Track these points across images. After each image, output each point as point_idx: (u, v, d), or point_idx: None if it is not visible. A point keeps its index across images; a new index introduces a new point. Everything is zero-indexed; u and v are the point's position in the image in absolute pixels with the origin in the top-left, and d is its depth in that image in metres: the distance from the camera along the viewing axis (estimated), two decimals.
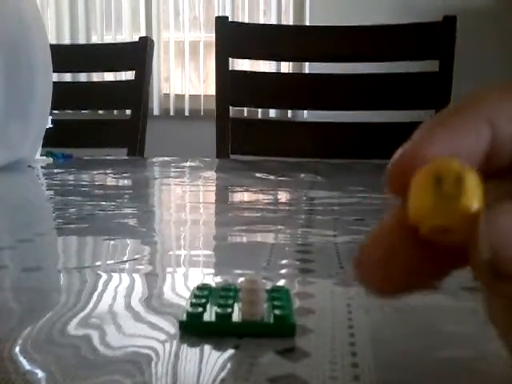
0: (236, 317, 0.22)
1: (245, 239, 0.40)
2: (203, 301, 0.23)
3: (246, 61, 1.84)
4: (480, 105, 0.14)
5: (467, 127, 0.14)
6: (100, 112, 1.89)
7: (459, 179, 0.12)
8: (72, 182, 0.72)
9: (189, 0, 2.34)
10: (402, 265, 0.14)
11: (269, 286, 0.26)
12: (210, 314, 0.22)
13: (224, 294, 0.24)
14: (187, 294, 0.26)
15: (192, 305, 0.22)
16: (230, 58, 1.26)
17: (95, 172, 0.85)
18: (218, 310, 0.22)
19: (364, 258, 0.15)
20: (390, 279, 0.14)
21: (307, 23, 2.21)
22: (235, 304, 0.23)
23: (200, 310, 0.22)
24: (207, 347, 0.20)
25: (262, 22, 2.25)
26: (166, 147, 1.96)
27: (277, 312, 0.22)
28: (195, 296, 0.24)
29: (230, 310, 0.22)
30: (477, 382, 0.18)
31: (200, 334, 0.21)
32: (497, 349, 0.17)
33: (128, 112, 1.42)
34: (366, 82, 1.22)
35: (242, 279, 0.22)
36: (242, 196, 0.64)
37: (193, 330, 0.21)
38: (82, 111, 1.73)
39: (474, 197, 0.12)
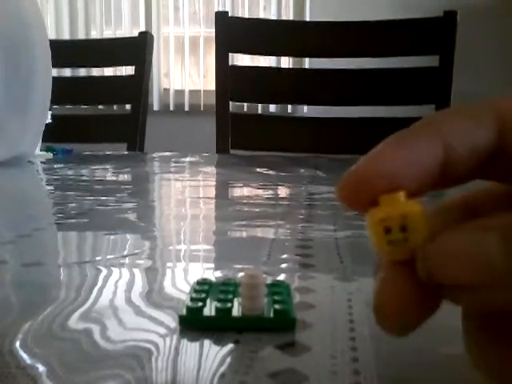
0: (236, 311, 0.22)
1: (245, 234, 0.40)
2: (203, 295, 0.23)
3: (246, 56, 1.84)
4: (433, 123, 0.16)
5: (421, 142, 0.15)
6: (100, 107, 1.89)
7: (404, 225, 0.14)
8: (72, 177, 0.72)
9: None
10: (416, 303, 0.15)
11: (269, 280, 0.26)
12: (209, 309, 0.22)
13: (224, 289, 0.24)
14: (187, 289, 0.26)
15: (192, 299, 0.22)
16: (230, 53, 1.26)
17: (95, 167, 0.85)
18: (218, 305, 0.22)
19: (381, 306, 0.15)
20: (410, 320, 0.15)
21: (307, 19, 2.20)
22: (235, 299, 0.23)
23: (200, 304, 0.22)
24: (207, 342, 0.20)
25: (262, 17, 2.24)
26: (166, 142, 1.96)
27: (277, 306, 0.22)
28: (195, 291, 0.24)
29: (229, 304, 0.22)
30: (477, 378, 0.18)
31: (200, 329, 0.21)
32: None
33: (128, 107, 1.42)
34: (367, 77, 1.22)
35: (241, 274, 0.22)
36: (241, 191, 0.64)
37: (193, 324, 0.21)
38: (82, 106, 1.72)
39: (418, 235, 0.14)
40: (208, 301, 0.23)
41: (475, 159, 0.16)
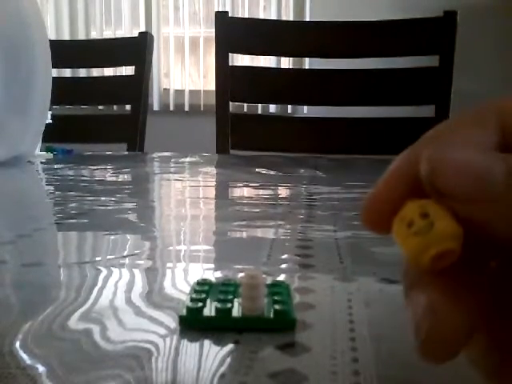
0: (236, 312, 0.22)
1: (245, 234, 0.40)
2: (203, 296, 0.23)
3: (246, 56, 1.84)
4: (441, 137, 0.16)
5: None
6: (100, 107, 1.89)
7: (424, 212, 0.14)
8: (72, 177, 0.72)
9: None
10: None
11: (269, 280, 0.26)
12: (209, 309, 0.22)
13: (224, 289, 0.24)
14: (187, 289, 0.26)
15: (192, 300, 0.22)
16: (230, 54, 1.26)
17: (95, 167, 0.85)
18: (218, 305, 0.22)
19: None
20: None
21: (307, 19, 2.20)
22: (235, 299, 0.23)
23: (200, 304, 0.22)
24: (207, 342, 0.20)
25: (261, 17, 2.24)
26: (166, 142, 1.96)
27: (277, 307, 0.22)
28: (195, 291, 0.24)
29: (229, 304, 0.22)
30: (477, 378, 0.18)
31: (200, 329, 0.21)
32: None
33: (128, 107, 1.42)
34: (367, 78, 1.22)
35: (242, 274, 0.22)
36: (241, 191, 0.64)
37: (193, 324, 0.21)
38: (82, 106, 1.72)
39: (442, 218, 0.14)
40: (208, 301, 0.23)
41: None
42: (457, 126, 0.16)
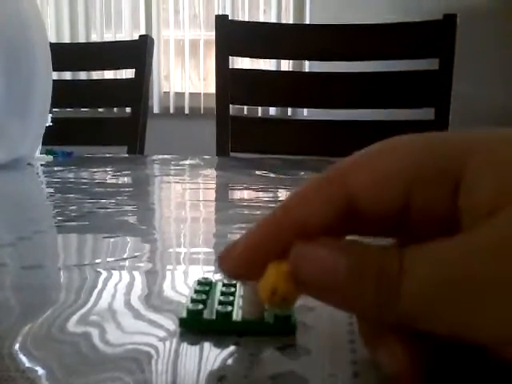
0: (236, 315, 0.22)
1: None
2: (204, 297, 0.23)
3: (246, 59, 1.84)
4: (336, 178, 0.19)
5: (316, 201, 0.18)
6: (100, 110, 1.89)
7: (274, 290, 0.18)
8: (72, 180, 0.72)
9: None
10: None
11: None
12: (210, 311, 0.22)
13: (225, 291, 0.24)
14: (187, 292, 0.26)
15: (192, 301, 0.22)
16: (230, 57, 1.26)
17: (95, 170, 0.85)
18: (219, 308, 0.22)
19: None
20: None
21: (307, 22, 2.21)
22: (235, 301, 0.23)
23: (200, 307, 0.22)
24: (207, 344, 0.20)
25: (261, 20, 2.25)
26: (166, 145, 1.96)
27: (277, 311, 0.22)
28: (196, 291, 0.24)
29: (230, 307, 0.22)
30: (477, 378, 0.18)
31: (200, 331, 0.21)
32: None
33: (128, 110, 1.42)
34: (366, 81, 1.22)
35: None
36: (242, 194, 0.64)
37: (193, 327, 0.21)
38: (82, 109, 1.73)
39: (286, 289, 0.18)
40: (209, 302, 0.23)
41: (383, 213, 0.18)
42: (304, 199, 0.18)
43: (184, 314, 0.22)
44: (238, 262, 0.19)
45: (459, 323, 0.15)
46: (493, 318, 0.15)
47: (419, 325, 0.16)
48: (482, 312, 0.15)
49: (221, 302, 0.22)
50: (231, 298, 0.23)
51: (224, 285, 0.25)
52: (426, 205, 0.17)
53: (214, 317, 0.21)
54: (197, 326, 0.21)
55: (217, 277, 0.29)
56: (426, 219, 0.17)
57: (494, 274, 0.14)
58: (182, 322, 0.21)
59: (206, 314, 0.22)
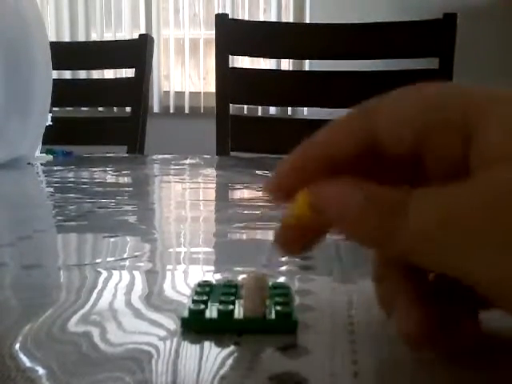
0: (237, 313, 0.22)
1: (245, 236, 0.40)
2: (205, 298, 0.23)
3: (246, 58, 1.84)
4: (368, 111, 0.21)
5: (339, 132, 0.21)
6: (100, 109, 1.89)
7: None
8: (72, 180, 0.72)
9: None
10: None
11: (270, 282, 0.26)
12: (211, 311, 0.22)
13: (225, 291, 0.24)
14: (187, 291, 0.26)
15: (194, 301, 0.22)
16: (230, 56, 1.26)
17: (95, 169, 0.85)
18: (220, 307, 0.22)
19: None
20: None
21: (307, 21, 2.21)
22: (236, 301, 0.23)
23: (202, 306, 0.22)
24: (207, 344, 0.20)
25: (262, 19, 2.25)
26: (166, 144, 1.96)
27: (279, 308, 0.22)
28: (197, 293, 0.24)
29: (231, 306, 0.22)
30: (478, 379, 0.18)
31: (201, 331, 0.21)
32: (501, 345, 0.17)
33: (128, 109, 1.42)
34: (366, 80, 1.22)
35: (244, 276, 0.22)
36: (242, 193, 0.64)
37: (195, 326, 0.21)
38: (82, 108, 1.73)
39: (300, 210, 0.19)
40: (209, 303, 0.23)
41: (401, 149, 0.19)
42: (333, 131, 0.21)
43: (186, 314, 0.22)
44: (277, 187, 0.21)
45: (452, 263, 0.16)
46: (483, 262, 0.16)
47: (416, 259, 0.17)
48: (474, 255, 0.16)
49: (222, 302, 0.22)
50: (232, 297, 0.23)
51: (225, 286, 0.25)
52: (437, 153, 0.19)
53: (215, 316, 0.21)
54: (199, 325, 0.21)
55: (217, 277, 0.29)
56: (438, 168, 0.19)
57: (487, 220, 0.16)
58: (184, 322, 0.21)
59: (207, 314, 0.22)
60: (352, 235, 0.19)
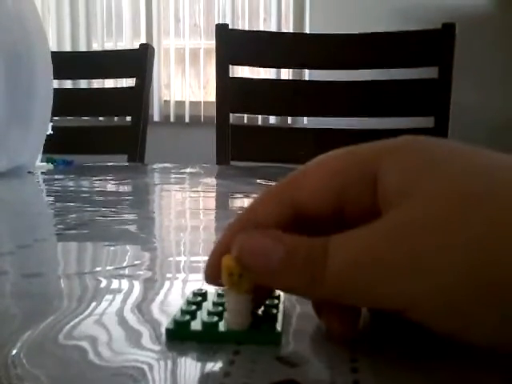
0: (223, 326, 0.22)
1: None
2: (193, 308, 0.23)
3: (246, 68, 1.85)
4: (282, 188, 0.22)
5: (271, 206, 0.22)
6: (100, 118, 1.90)
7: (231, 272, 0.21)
8: (72, 188, 0.72)
9: (189, 7, 2.35)
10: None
11: None
12: (198, 322, 0.22)
13: (216, 301, 0.24)
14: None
15: (182, 312, 0.22)
16: (230, 65, 1.27)
17: (95, 178, 0.85)
18: (205, 319, 0.22)
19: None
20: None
21: (307, 31, 2.22)
22: (225, 312, 0.22)
23: (187, 317, 0.22)
24: (206, 353, 0.20)
25: (262, 29, 2.26)
26: (167, 153, 1.97)
27: (263, 320, 0.22)
28: (188, 302, 0.23)
29: (217, 318, 0.22)
30: (478, 379, 0.18)
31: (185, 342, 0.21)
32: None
33: (128, 119, 1.43)
34: (366, 89, 1.22)
35: (223, 288, 0.22)
36: (242, 202, 0.64)
37: (179, 338, 0.21)
38: (83, 118, 1.73)
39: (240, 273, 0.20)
40: (198, 313, 0.23)
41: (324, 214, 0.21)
42: (262, 204, 0.22)
43: (170, 325, 0.21)
44: (211, 268, 0.22)
45: (371, 297, 0.18)
46: (392, 291, 0.18)
47: (342, 300, 0.19)
48: (383, 286, 0.18)
49: (209, 313, 0.22)
50: (220, 308, 0.23)
51: (218, 295, 0.24)
52: (355, 203, 0.21)
53: (199, 328, 0.21)
54: (183, 337, 0.21)
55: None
56: (356, 215, 0.21)
57: (391, 252, 0.18)
58: (169, 333, 0.21)
59: (193, 325, 0.21)
60: (277, 287, 0.21)
